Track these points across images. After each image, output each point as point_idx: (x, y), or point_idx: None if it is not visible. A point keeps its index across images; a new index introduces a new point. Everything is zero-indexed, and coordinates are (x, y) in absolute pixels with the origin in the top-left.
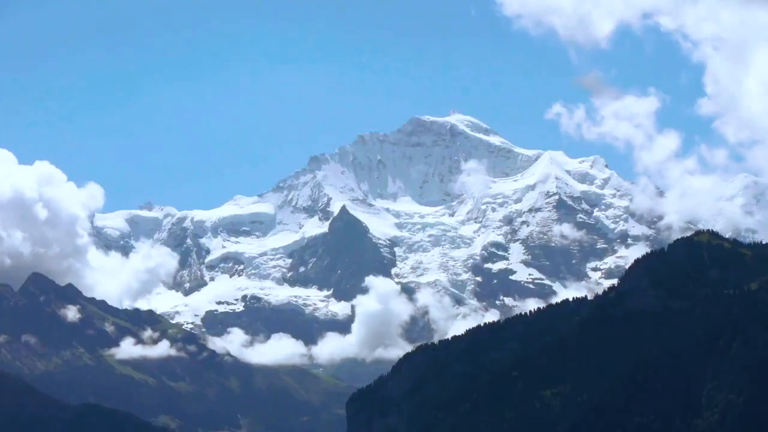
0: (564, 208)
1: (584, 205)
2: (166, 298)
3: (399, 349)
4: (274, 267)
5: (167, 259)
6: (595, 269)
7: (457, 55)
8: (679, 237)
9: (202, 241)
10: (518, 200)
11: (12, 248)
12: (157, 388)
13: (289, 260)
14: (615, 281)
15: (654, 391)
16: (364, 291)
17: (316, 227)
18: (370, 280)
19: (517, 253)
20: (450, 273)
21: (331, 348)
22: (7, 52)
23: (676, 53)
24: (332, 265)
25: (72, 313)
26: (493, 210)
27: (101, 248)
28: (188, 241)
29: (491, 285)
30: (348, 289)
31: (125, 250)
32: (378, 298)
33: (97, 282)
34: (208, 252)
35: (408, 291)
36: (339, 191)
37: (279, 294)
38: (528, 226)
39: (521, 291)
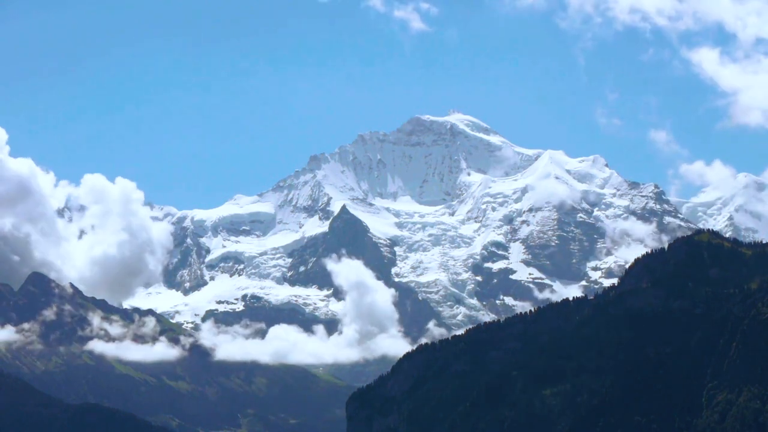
0: (564, 208)
1: (584, 205)
2: (166, 298)
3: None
4: (274, 266)
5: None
6: (595, 269)
7: (457, 54)
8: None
9: (202, 240)
10: (518, 200)
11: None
12: (156, 387)
13: (289, 259)
14: (615, 281)
15: (654, 391)
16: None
17: (316, 226)
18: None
19: (517, 252)
20: (450, 272)
21: (331, 347)
22: (10, 56)
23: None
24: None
25: (72, 312)
26: (493, 209)
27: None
28: (188, 240)
29: (491, 284)
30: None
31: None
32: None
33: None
34: (208, 251)
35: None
36: (339, 190)
37: (279, 293)
38: (528, 225)
39: (521, 290)
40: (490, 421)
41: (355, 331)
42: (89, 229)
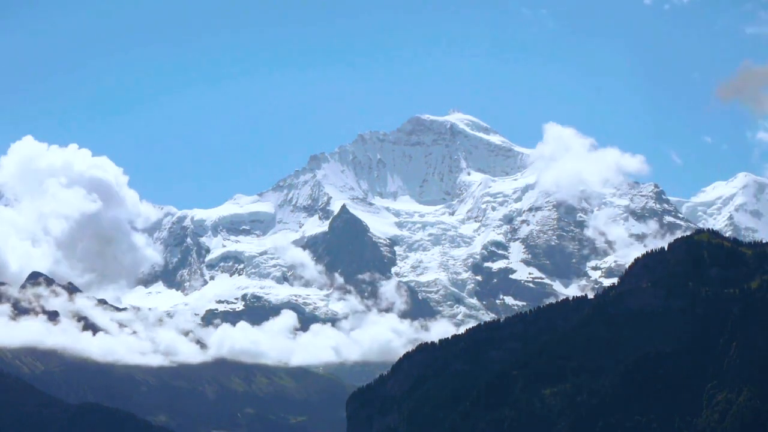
0: (564, 207)
1: (584, 204)
2: (166, 297)
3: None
4: (274, 266)
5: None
6: (595, 268)
7: (457, 53)
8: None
9: (202, 240)
10: (518, 199)
11: None
12: (156, 387)
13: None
14: (615, 280)
15: (654, 390)
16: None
17: (316, 226)
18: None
19: (517, 252)
20: (450, 272)
21: (330, 346)
22: (14, 59)
23: None
24: (332, 263)
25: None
26: (493, 209)
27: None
28: (188, 240)
29: (491, 284)
30: (348, 288)
31: None
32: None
33: None
34: (208, 251)
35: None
36: (339, 190)
37: (279, 293)
38: (528, 225)
39: (521, 290)
40: (490, 421)
41: (355, 330)
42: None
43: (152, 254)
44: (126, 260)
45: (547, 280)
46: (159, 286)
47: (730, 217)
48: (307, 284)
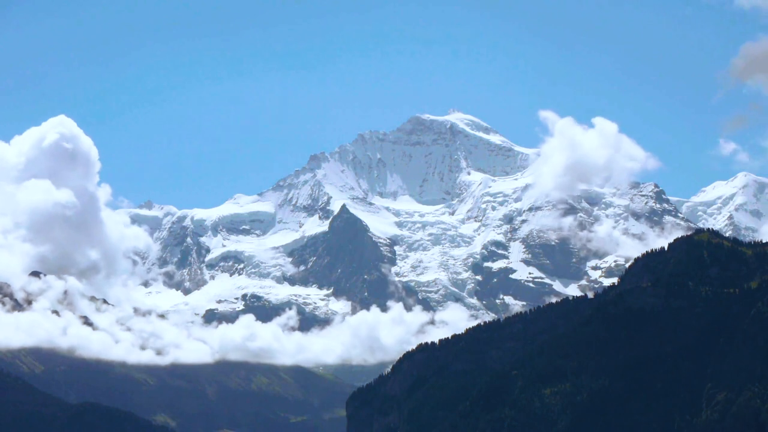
0: (564, 207)
1: (584, 204)
2: (166, 297)
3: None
4: (275, 266)
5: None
6: (595, 268)
7: (457, 53)
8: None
9: (202, 239)
10: (518, 199)
11: None
12: (156, 387)
13: (289, 259)
14: (615, 280)
15: (654, 390)
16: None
17: (316, 226)
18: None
19: (517, 251)
20: (450, 272)
21: (331, 346)
22: (15, 58)
23: None
24: (332, 263)
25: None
26: (493, 209)
27: None
28: (188, 239)
29: (491, 284)
30: (348, 288)
31: None
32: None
33: None
34: (208, 251)
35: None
36: (339, 190)
37: (279, 293)
38: (528, 224)
39: (521, 290)
40: (490, 420)
41: (355, 330)
42: None
43: (137, 231)
44: (110, 238)
45: (547, 280)
46: (159, 285)
47: (730, 217)
48: (304, 284)
